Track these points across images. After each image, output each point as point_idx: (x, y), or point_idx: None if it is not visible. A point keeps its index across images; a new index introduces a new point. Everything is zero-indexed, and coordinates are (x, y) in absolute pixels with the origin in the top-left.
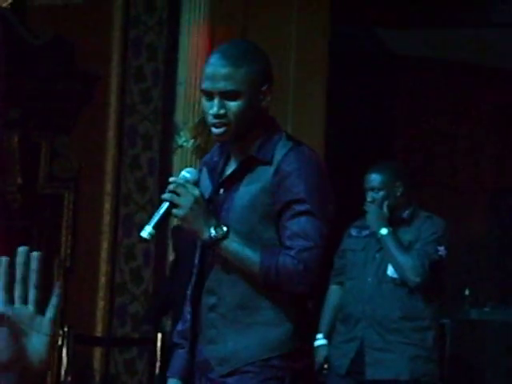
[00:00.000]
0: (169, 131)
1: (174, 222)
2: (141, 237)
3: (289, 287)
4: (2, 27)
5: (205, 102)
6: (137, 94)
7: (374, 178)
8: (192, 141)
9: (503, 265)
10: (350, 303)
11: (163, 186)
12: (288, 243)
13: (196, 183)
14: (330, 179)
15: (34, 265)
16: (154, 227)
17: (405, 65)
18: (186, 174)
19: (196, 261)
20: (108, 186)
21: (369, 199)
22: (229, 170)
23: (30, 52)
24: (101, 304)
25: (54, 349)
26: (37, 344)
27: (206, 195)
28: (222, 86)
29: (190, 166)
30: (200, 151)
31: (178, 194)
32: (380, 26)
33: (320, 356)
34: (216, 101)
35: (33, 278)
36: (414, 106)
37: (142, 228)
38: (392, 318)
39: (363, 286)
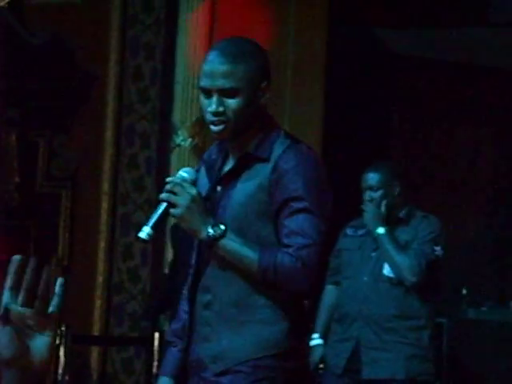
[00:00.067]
0: (166, 130)
1: (172, 221)
2: (139, 238)
3: (287, 285)
4: None
5: (203, 100)
6: (134, 94)
7: (372, 177)
8: (190, 140)
9: (501, 265)
10: (345, 302)
11: (161, 185)
12: (286, 241)
13: (194, 182)
14: (327, 177)
15: (45, 275)
16: (152, 228)
17: (404, 65)
18: (183, 173)
19: (192, 261)
20: (106, 185)
21: (367, 198)
22: (227, 168)
23: (28, 51)
24: (98, 303)
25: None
26: (39, 344)
27: (204, 193)
28: (220, 83)
29: (188, 165)
30: (198, 150)
31: (175, 194)
32: (379, 26)
33: (316, 356)
34: (214, 98)
35: (42, 287)
36: (413, 106)
37: (139, 228)
38: (388, 317)
39: (359, 286)
